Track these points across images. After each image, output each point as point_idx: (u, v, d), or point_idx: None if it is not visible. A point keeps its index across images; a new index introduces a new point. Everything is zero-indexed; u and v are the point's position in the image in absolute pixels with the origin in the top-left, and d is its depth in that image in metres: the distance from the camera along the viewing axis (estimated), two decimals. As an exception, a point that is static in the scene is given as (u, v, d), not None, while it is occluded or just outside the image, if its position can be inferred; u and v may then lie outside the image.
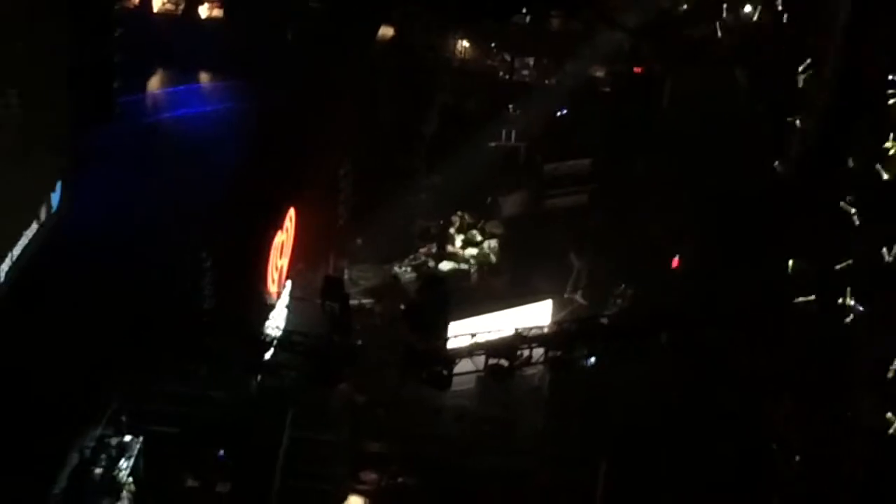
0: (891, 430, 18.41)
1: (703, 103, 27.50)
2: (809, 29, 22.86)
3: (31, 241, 22.21)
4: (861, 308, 19.18)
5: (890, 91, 19.12)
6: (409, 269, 28.62)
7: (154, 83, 31.74)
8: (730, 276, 23.08)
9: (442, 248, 29.32)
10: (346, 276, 27.31)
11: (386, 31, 30.01)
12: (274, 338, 21.09)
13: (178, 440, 22.88)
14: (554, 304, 27.31)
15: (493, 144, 30.70)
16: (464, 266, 29.04)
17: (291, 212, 24.79)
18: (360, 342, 21.35)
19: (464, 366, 20.79)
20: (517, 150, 31.18)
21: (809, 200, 21.86)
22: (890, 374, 18.15)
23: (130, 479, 21.77)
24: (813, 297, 20.90)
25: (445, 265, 28.92)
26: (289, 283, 25.34)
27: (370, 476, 23.77)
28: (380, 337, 23.77)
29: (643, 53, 30.65)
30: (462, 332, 21.06)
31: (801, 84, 22.66)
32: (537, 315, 26.34)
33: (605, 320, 22.62)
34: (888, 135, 19.12)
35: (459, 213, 29.88)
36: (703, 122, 27.13)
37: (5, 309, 21.10)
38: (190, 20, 32.67)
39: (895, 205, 18.93)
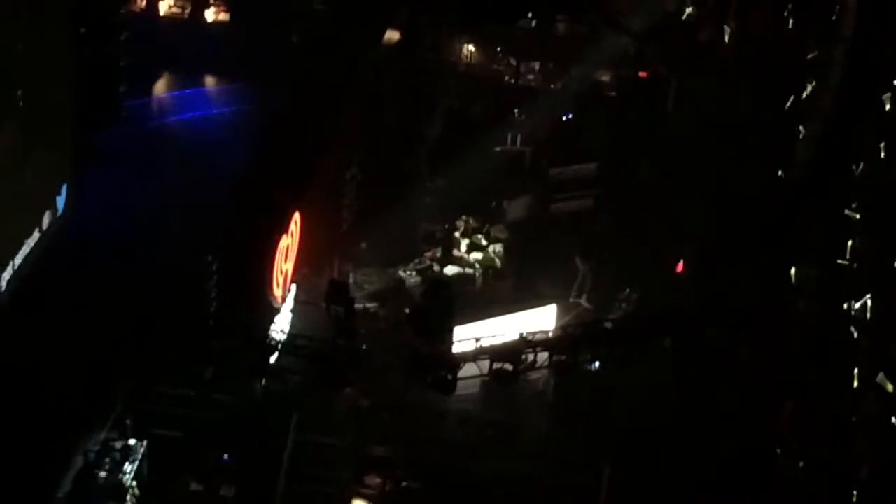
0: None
1: (709, 107, 27.46)
2: (815, 35, 22.84)
3: (36, 243, 22.26)
4: (863, 312, 19.16)
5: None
6: (413, 273, 28.60)
7: (160, 86, 31.83)
8: (733, 279, 23.06)
9: (447, 252, 29.30)
10: (350, 280, 27.28)
11: (392, 35, 29.99)
12: (279, 342, 21.10)
13: (183, 444, 22.88)
14: (558, 308, 27.32)
15: (498, 149, 30.65)
16: (469, 270, 29.01)
17: (296, 215, 24.76)
18: (364, 346, 21.35)
19: (468, 370, 20.79)
20: (522, 155, 31.13)
21: (814, 205, 21.87)
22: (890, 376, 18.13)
23: (134, 483, 21.78)
24: (815, 301, 20.92)
25: (450, 269, 28.90)
26: (294, 287, 25.33)
27: (374, 480, 23.76)
28: (384, 341, 23.75)
29: (648, 58, 30.61)
30: (467, 337, 21.06)
31: (806, 89, 22.64)
32: (542, 319, 26.36)
33: (609, 324, 22.60)
34: (893, 140, 19.12)
35: (464, 217, 29.86)
36: (708, 126, 27.09)
37: (10, 311, 21.16)
38: (196, 24, 32.74)
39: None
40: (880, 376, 17.97)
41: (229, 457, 23.10)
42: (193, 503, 22.65)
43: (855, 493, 19.37)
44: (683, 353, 23.65)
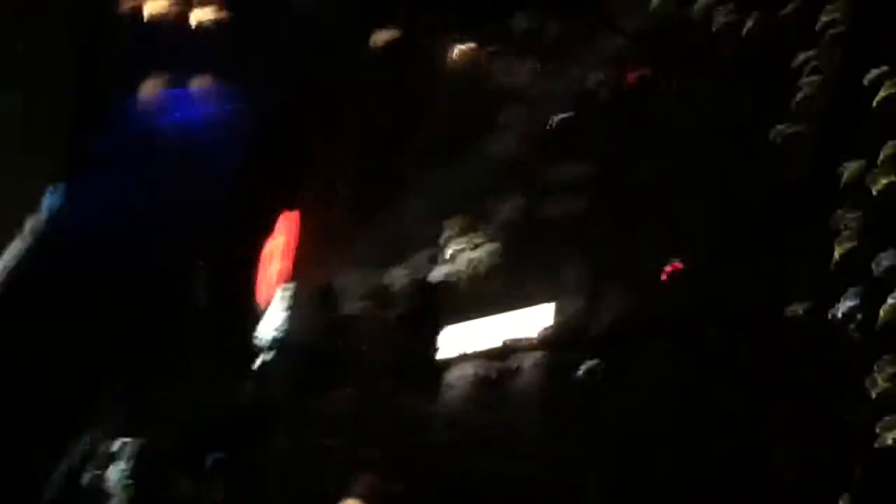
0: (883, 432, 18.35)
1: (704, 107, 27.39)
2: (810, 35, 22.83)
3: (25, 244, 22.25)
4: (855, 313, 19.15)
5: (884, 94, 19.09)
6: (405, 273, 28.52)
7: (150, 87, 31.76)
8: (729, 279, 23.04)
9: (438, 253, 29.23)
10: (340, 282, 27.23)
11: (384, 34, 29.94)
12: (268, 343, 21.11)
13: (174, 444, 22.87)
14: (553, 309, 27.21)
15: (492, 148, 30.58)
16: (460, 271, 28.92)
17: (287, 216, 24.75)
18: (354, 348, 21.33)
19: (459, 371, 20.76)
20: (517, 155, 31.05)
21: (808, 205, 21.88)
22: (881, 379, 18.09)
23: (125, 484, 21.75)
24: (810, 302, 20.89)
25: (441, 270, 28.81)
26: (283, 289, 25.31)
27: (366, 482, 23.72)
28: (374, 342, 23.73)
29: (643, 58, 30.54)
30: (459, 338, 21.04)
31: (801, 90, 22.62)
32: (533, 320, 26.25)
33: (605, 325, 22.56)
34: (885, 140, 19.09)
35: (457, 217, 29.77)
36: (703, 126, 27.03)
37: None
38: (187, 23, 32.69)
39: (890, 211, 18.90)
40: (870, 377, 17.96)
41: (220, 458, 23.08)
42: (183, 504, 22.65)
43: (851, 493, 19.32)
44: (679, 353, 23.60)
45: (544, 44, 32.92)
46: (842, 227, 20.05)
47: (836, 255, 19.97)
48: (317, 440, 23.56)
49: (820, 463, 20.65)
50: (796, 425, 21.60)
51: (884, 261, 18.77)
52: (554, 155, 31.23)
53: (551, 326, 26.04)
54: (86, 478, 21.78)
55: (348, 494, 23.42)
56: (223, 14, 32.47)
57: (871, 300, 18.84)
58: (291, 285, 25.90)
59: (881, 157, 19.31)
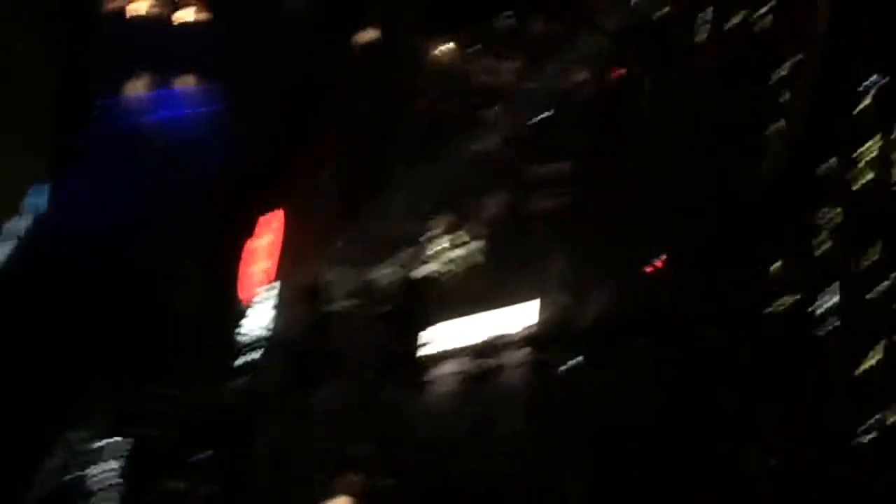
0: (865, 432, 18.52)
1: (686, 105, 27.53)
2: (789, 34, 22.97)
3: (12, 242, 22.25)
4: (837, 311, 19.31)
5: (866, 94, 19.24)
6: (390, 271, 28.59)
7: (134, 86, 31.73)
8: (711, 276, 23.17)
9: (423, 250, 29.30)
10: (327, 279, 27.28)
11: (368, 33, 30.00)
12: (255, 340, 21.15)
13: (163, 442, 22.88)
14: (537, 306, 27.29)
15: (475, 146, 30.68)
16: (445, 268, 29.00)
17: (272, 214, 24.80)
18: (340, 345, 21.39)
19: (443, 368, 20.83)
20: (500, 152, 31.15)
21: (789, 204, 22.02)
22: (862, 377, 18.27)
23: (114, 482, 21.77)
24: (792, 300, 21.04)
25: (427, 267, 28.89)
26: (270, 286, 25.35)
27: (352, 479, 23.77)
28: (361, 340, 23.77)
29: (625, 56, 30.67)
30: (443, 335, 21.11)
31: (781, 89, 22.77)
32: (520, 317, 26.35)
33: (588, 322, 22.64)
34: (865, 139, 19.24)
35: (441, 215, 29.85)
36: (685, 123, 27.17)
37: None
38: (171, 23, 32.68)
39: (870, 209, 19.05)
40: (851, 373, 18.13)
41: (208, 455, 23.10)
42: (173, 502, 22.64)
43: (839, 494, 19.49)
44: (662, 350, 23.70)
45: (527, 43, 33.17)
46: (823, 223, 20.25)
47: (818, 252, 20.17)
48: (303, 437, 23.64)
49: (800, 458, 20.84)
50: (778, 422, 21.78)
51: (865, 257, 18.93)
52: (537, 153, 31.43)
53: (535, 323, 26.22)
54: (73, 476, 21.78)
55: (334, 491, 23.48)
56: (205, 15, 32.50)
57: (853, 296, 19.02)
58: (277, 284, 26.00)
59: (858, 153, 19.51)
